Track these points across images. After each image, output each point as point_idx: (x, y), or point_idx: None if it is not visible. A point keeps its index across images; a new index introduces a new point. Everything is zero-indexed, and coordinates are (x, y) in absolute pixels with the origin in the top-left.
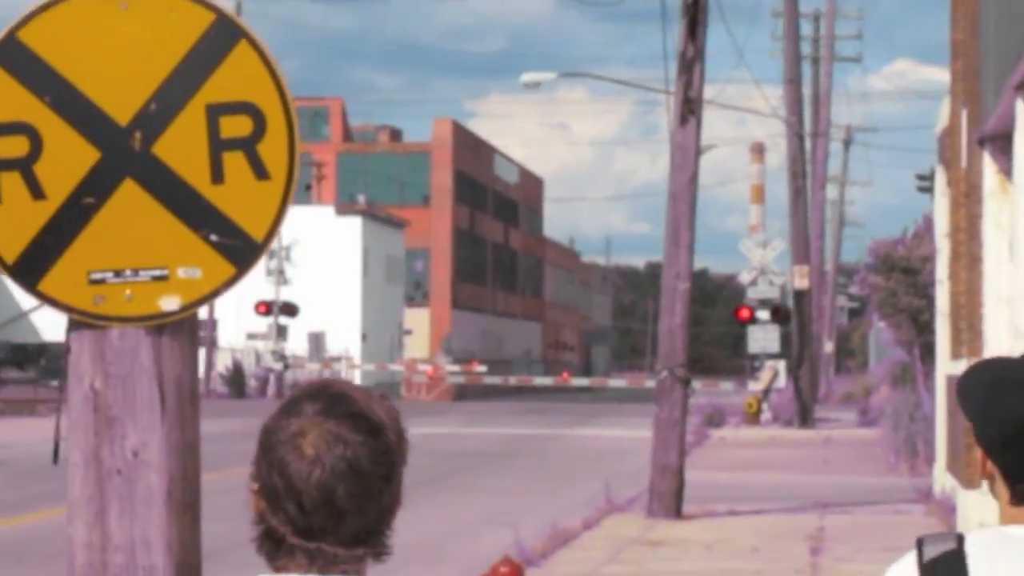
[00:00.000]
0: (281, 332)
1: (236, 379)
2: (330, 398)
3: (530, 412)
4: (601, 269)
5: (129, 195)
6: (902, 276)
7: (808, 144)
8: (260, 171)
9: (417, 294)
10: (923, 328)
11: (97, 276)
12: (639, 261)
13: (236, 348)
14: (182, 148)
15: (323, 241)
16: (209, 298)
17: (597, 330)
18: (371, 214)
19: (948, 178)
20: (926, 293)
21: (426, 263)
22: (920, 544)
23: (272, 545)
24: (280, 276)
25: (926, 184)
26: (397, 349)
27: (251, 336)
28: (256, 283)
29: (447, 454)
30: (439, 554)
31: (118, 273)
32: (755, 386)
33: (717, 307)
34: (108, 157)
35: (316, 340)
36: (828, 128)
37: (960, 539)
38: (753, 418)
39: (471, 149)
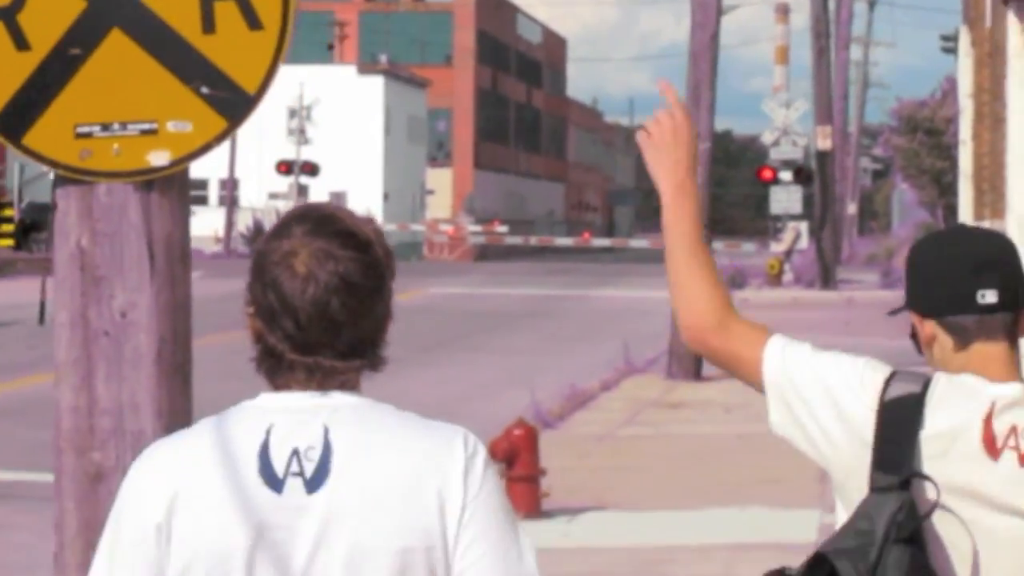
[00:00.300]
0: (302, 192)
1: (257, 238)
2: (318, 219)
3: (551, 272)
4: (624, 130)
5: (117, 45)
6: (925, 137)
7: (832, 4)
8: (253, 21)
9: (439, 154)
10: (946, 189)
11: (84, 130)
12: None
13: (257, 208)
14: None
15: (345, 101)
16: (200, 153)
17: (620, 191)
18: (393, 74)
19: (972, 38)
20: (949, 154)
21: (448, 123)
22: (889, 380)
23: (272, 363)
24: (301, 136)
25: (950, 45)
26: (419, 209)
27: (272, 196)
28: (277, 143)
29: (467, 314)
30: (455, 415)
31: (105, 127)
32: (777, 247)
33: (740, 168)
34: (95, 5)
35: (337, 200)
36: None
37: (926, 384)
38: (775, 279)
39: (493, 8)
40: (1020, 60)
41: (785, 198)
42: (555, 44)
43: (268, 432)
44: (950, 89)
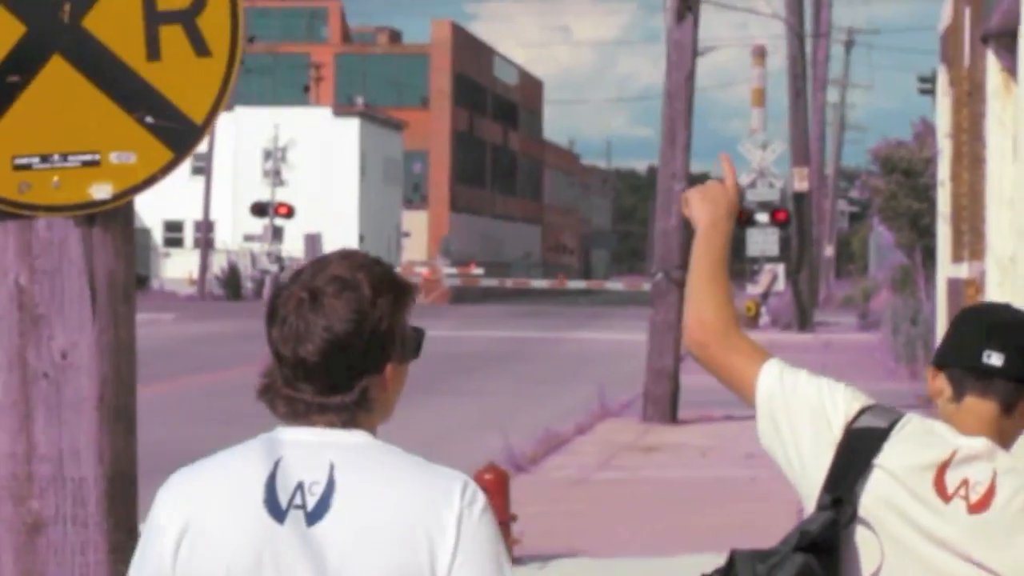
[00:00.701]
0: (277, 234)
1: (231, 281)
2: (320, 264)
3: (527, 315)
4: (601, 172)
5: (57, 73)
6: (903, 178)
7: (809, 46)
8: (200, 47)
9: (415, 196)
10: (924, 232)
11: (22, 161)
12: (640, 164)
13: (232, 250)
14: (115, 21)
15: (320, 143)
16: (144, 186)
17: (597, 233)
18: (369, 116)
19: (950, 77)
20: (927, 196)
21: (425, 165)
22: (862, 411)
23: (270, 395)
24: (276, 177)
25: (928, 86)
26: (395, 251)
27: (247, 238)
28: (252, 184)
29: (442, 357)
30: (427, 458)
31: (45, 158)
32: (754, 289)
33: None
34: (34, 31)
35: (312, 241)
36: (829, 29)
37: (895, 421)
38: (751, 322)
39: (470, 51)
40: (999, 100)
41: (762, 240)
42: (532, 86)
43: (277, 464)
44: (926, 130)
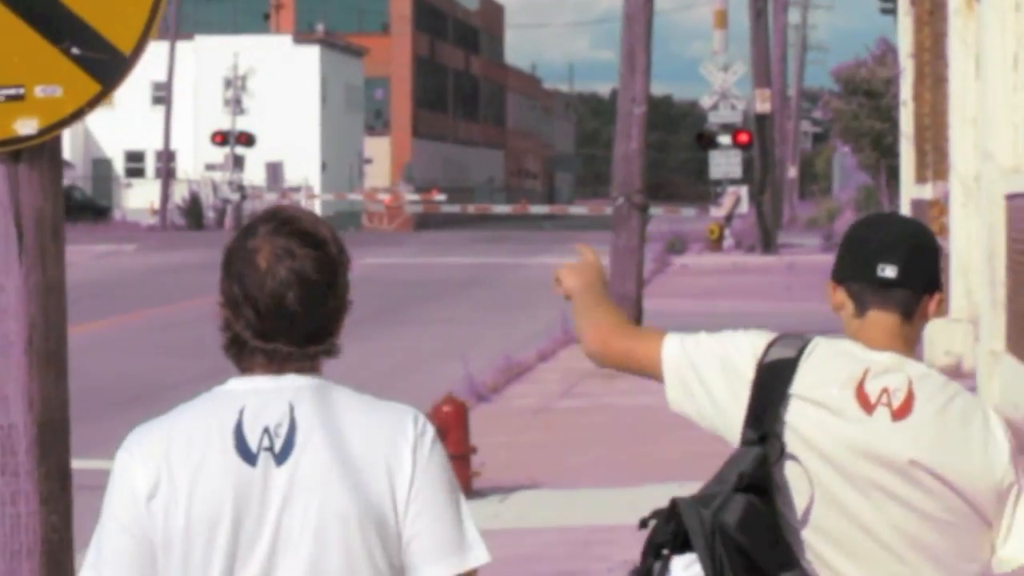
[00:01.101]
0: (238, 163)
1: (193, 211)
2: (280, 220)
3: (490, 241)
4: (564, 96)
5: None
6: (864, 99)
7: None
8: None
9: (377, 123)
10: (887, 151)
11: None
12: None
13: (193, 179)
14: None
15: (281, 71)
16: (71, 120)
17: (560, 157)
18: (329, 43)
19: None
20: (889, 116)
21: (386, 91)
22: (770, 344)
23: (237, 349)
24: (237, 106)
25: (889, 5)
26: (357, 179)
27: (209, 167)
28: (213, 114)
29: (404, 284)
30: (388, 388)
31: None
32: (717, 212)
33: (680, 133)
34: None
35: (274, 170)
36: None
37: (802, 348)
38: (715, 244)
39: None
40: (961, 18)
41: (724, 162)
42: (493, 11)
43: (241, 412)
44: (886, 50)
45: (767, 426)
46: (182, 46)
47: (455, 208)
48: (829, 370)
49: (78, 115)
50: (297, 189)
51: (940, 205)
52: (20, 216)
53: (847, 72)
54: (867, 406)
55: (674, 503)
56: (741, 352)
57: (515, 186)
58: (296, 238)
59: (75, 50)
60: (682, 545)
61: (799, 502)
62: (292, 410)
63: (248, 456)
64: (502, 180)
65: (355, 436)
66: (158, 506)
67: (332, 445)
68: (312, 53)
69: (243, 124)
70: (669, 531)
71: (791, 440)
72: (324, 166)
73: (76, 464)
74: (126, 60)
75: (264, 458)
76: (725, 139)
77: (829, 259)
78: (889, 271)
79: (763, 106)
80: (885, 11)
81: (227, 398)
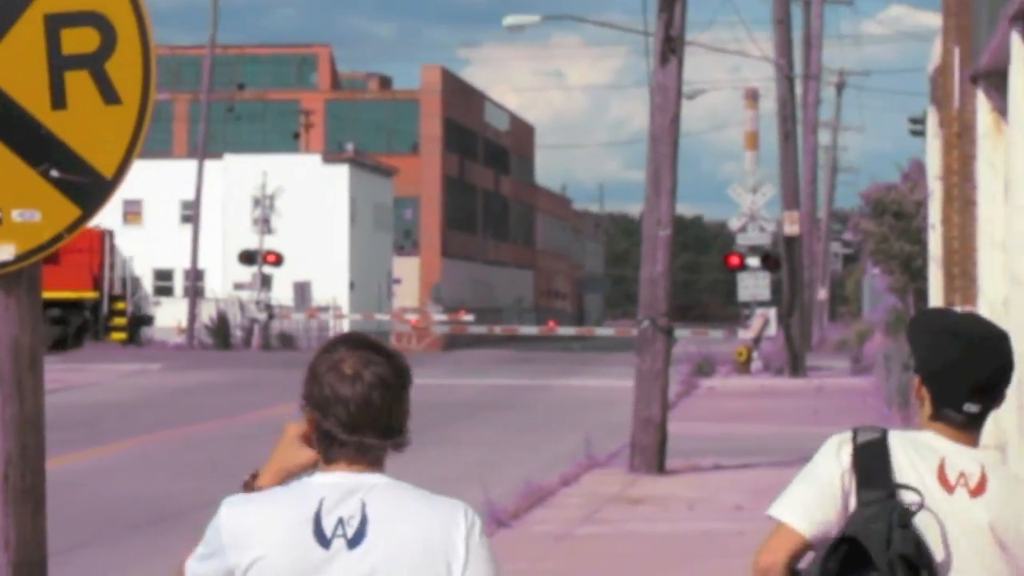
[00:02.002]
0: (266, 282)
1: (220, 330)
2: (356, 338)
3: (517, 361)
4: (594, 216)
5: None
6: (894, 221)
7: (799, 88)
8: (109, 94)
9: (406, 242)
10: (916, 274)
11: None
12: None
13: (221, 298)
14: (16, 66)
15: (310, 190)
16: (49, 245)
17: (590, 278)
18: (359, 162)
19: (940, 118)
20: (919, 238)
21: (415, 211)
22: (855, 432)
23: (327, 443)
24: (265, 225)
25: (919, 127)
26: (386, 298)
27: (237, 286)
28: (242, 232)
29: (428, 405)
30: None
31: None
32: (745, 334)
33: (711, 254)
34: None
35: (301, 290)
36: (820, 71)
37: (884, 433)
38: (743, 367)
39: (461, 96)
40: (989, 140)
41: (753, 284)
42: (523, 131)
43: (320, 503)
44: (917, 172)
45: (890, 485)
46: (210, 165)
47: (482, 329)
48: (910, 454)
49: (56, 240)
50: (325, 309)
51: None
52: None
53: (876, 194)
54: (947, 487)
55: (842, 539)
56: (828, 459)
57: (544, 306)
58: (373, 351)
59: (54, 173)
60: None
61: (931, 540)
62: (364, 506)
63: (323, 540)
64: (531, 300)
65: (416, 528)
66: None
67: (398, 534)
68: (342, 172)
69: (271, 243)
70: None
71: (918, 491)
72: (352, 285)
73: None
74: (108, 183)
75: (338, 543)
76: (754, 261)
77: (857, 382)
78: (973, 408)
79: (792, 228)
80: (915, 133)
81: (310, 489)
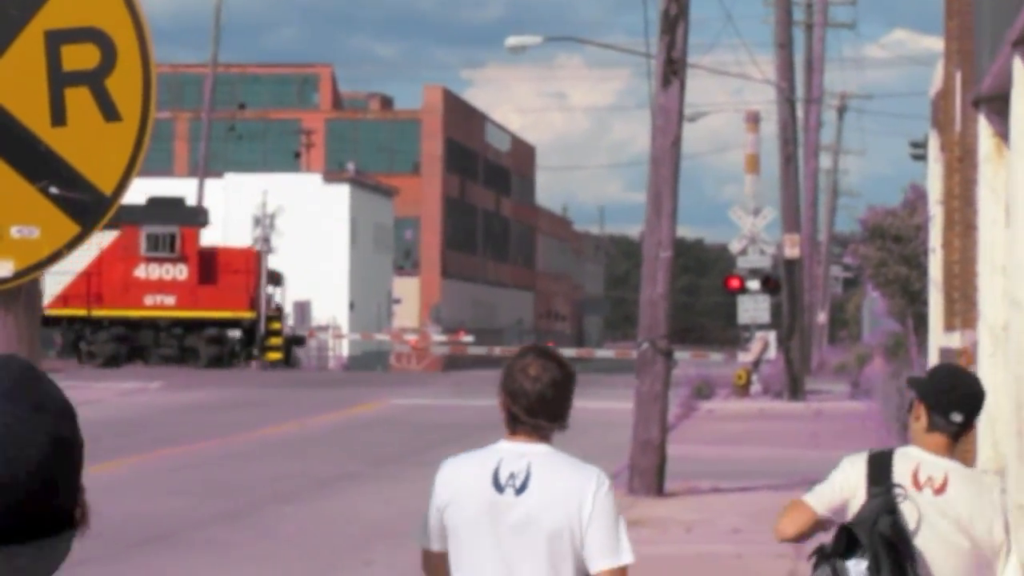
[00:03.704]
0: (268, 301)
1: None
2: (540, 350)
3: None
4: (594, 238)
5: None
6: (893, 245)
7: (801, 112)
8: (109, 111)
9: (407, 263)
10: (915, 298)
11: None
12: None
13: None
14: (16, 82)
15: (310, 209)
16: (48, 262)
17: (590, 300)
18: (359, 182)
19: (941, 143)
20: (918, 263)
21: (416, 231)
22: (870, 450)
23: (512, 422)
24: (266, 244)
25: (920, 152)
26: (386, 319)
27: None
28: None
29: (427, 426)
30: (405, 532)
31: None
32: (745, 357)
33: (712, 277)
34: None
35: (301, 309)
36: (821, 95)
37: (892, 448)
38: (742, 390)
39: (462, 117)
40: (991, 165)
41: (753, 307)
42: (524, 152)
43: (499, 462)
44: (915, 197)
45: (889, 483)
46: (211, 183)
47: (482, 350)
48: (904, 464)
49: (55, 258)
50: (325, 328)
51: (968, 354)
52: None
53: (874, 220)
54: (917, 486)
55: (848, 527)
56: (847, 472)
57: (544, 328)
58: (550, 359)
59: (54, 189)
60: (844, 553)
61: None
62: (529, 466)
63: (498, 487)
64: (531, 322)
65: (564, 483)
66: (447, 513)
67: (550, 487)
68: (342, 192)
69: (271, 262)
70: (841, 547)
71: (904, 489)
72: (352, 306)
73: None
74: (107, 200)
75: (508, 490)
76: (754, 284)
77: (857, 406)
78: (958, 417)
79: (792, 251)
80: (916, 157)
81: (494, 452)
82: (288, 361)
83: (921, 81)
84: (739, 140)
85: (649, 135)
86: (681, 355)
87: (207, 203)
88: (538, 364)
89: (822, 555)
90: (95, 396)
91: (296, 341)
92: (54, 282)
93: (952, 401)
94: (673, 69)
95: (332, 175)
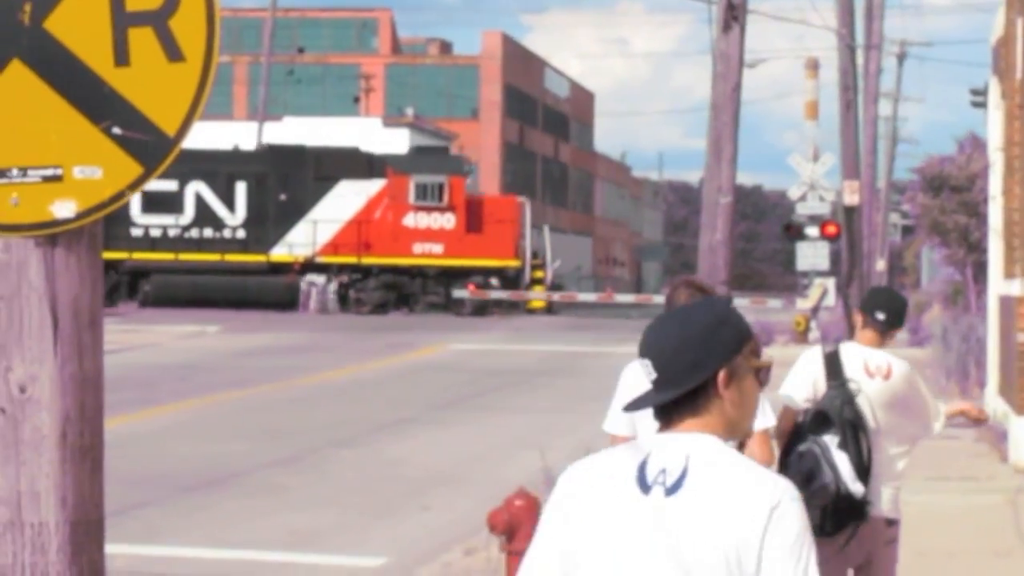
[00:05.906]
0: None
1: None
2: (686, 280)
3: (576, 328)
4: (652, 184)
5: (16, 79)
6: (952, 194)
7: (861, 58)
8: (173, 51)
9: None
10: (974, 247)
11: None
12: (693, 176)
13: None
14: (80, 23)
15: None
16: (111, 203)
17: (648, 246)
18: (418, 127)
19: (1002, 90)
20: (976, 211)
21: (475, 177)
22: (822, 348)
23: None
24: None
25: (980, 99)
26: None
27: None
28: None
29: (485, 372)
30: (463, 478)
31: (2, 173)
32: (804, 304)
33: (770, 223)
34: None
35: None
36: (881, 41)
37: (837, 347)
38: (801, 337)
39: (521, 62)
40: None
41: (812, 254)
42: (583, 98)
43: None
44: (973, 145)
45: (843, 378)
46: (270, 127)
47: (541, 296)
48: (852, 358)
49: (118, 198)
50: None
51: None
52: (56, 304)
53: (933, 167)
54: (869, 374)
55: (823, 411)
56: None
57: (602, 274)
58: (695, 289)
59: (116, 130)
60: (817, 430)
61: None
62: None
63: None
64: (589, 268)
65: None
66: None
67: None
68: (402, 135)
69: None
70: (816, 426)
71: (857, 382)
72: None
73: (144, 551)
74: (171, 141)
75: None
76: (813, 231)
77: (916, 353)
78: (881, 316)
79: (852, 198)
80: (976, 104)
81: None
82: (551, 308)
83: (982, 28)
84: (799, 87)
85: (709, 81)
86: (740, 302)
87: None
88: (687, 292)
89: (799, 431)
90: (153, 339)
91: (558, 289)
92: (325, 229)
93: (876, 304)
94: (734, 15)
95: (391, 120)
